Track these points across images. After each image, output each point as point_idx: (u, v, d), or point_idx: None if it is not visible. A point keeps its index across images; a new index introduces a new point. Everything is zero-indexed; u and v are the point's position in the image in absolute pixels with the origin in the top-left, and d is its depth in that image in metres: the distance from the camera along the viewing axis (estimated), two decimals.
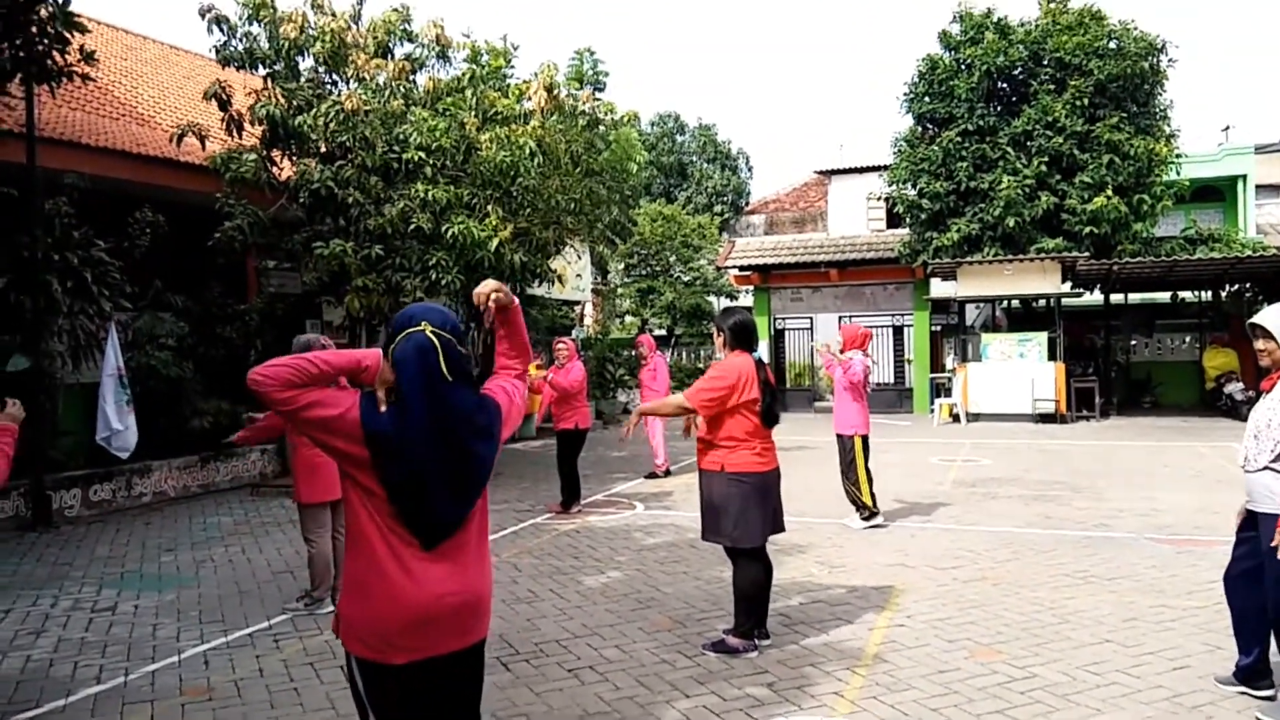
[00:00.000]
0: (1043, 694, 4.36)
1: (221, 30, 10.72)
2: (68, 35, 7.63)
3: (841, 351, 8.30)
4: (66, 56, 7.87)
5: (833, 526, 8.34)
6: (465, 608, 2.56)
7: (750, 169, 44.07)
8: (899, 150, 20.23)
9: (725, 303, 28.63)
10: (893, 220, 24.39)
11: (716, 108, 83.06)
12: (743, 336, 5.17)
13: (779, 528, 5.17)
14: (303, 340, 6.13)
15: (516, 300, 2.80)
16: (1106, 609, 5.71)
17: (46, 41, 7.49)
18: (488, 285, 2.72)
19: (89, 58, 8.07)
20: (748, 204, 39.85)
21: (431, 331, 2.56)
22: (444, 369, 2.53)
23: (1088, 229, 17.85)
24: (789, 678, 4.66)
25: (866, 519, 8.29)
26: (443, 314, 2.65)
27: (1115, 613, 5.63)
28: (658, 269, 26.24)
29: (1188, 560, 6.91)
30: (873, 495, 8.30)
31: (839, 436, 8.34)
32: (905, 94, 20.18)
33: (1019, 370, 18.27)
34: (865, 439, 8.27)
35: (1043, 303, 19.97)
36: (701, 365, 25.36)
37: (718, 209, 38.06)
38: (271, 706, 4.45)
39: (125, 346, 10.23)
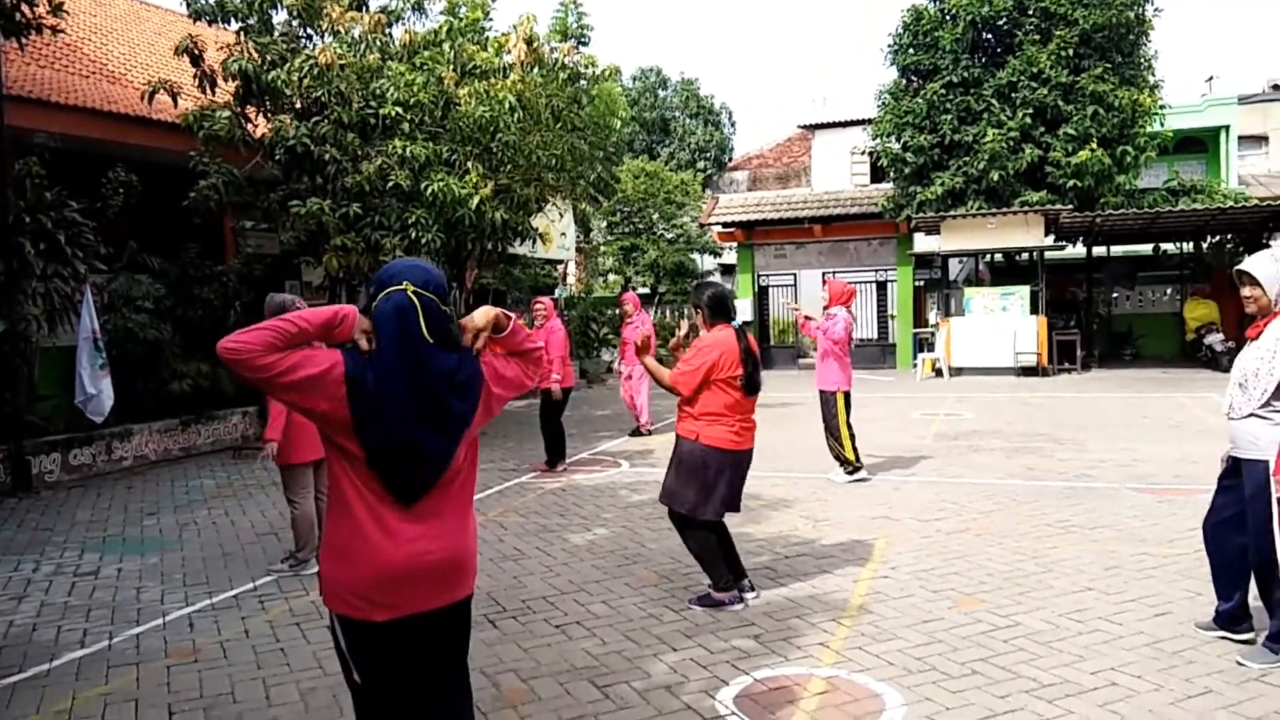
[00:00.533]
0: (1025, 642, 4.40)
1: None
2: None
3: (827, 307, 8.27)
4: (35, 9, 7.64)
5: (816, 481, 8.37)
6: (446, 565, 2.54)
7: (734, 124, 43.71)
8: (883, 103, 20.09)
9: (709, 260, 28.53)
10: (876, 175, 24.30)
11: (699, 62, 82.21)
12: (721, 309, 5.12)
13: (735, 507, 5.16)
14: (277, 300, 6.02)
15: (514, 318, 2.69)
16: (1088, 558, 5.76)
17: None
18: (475, 321, 2.61)
19: (57, 9, 7.85)
20: (731, 160, 39.58)
21: (413, 291, 2.51)
22: (424, 329, 2.49)
23: (1071, 182, 17.83)
24: (775, 629, 4.68)
25: (850, 474, 8.33)
26: (426, 271, 2.59)
27: (1097, 561, 5.68)
28: (641, 227, 26.06)
29: (1168, 509, 6.98)
30: (855, 450, 8.33)
31: (821, 393, 8.35)
32: (889, 45, 20.01)
33: (1001, 324, 18.33)
34: (848, 395, 8.28)
35: (1026, 256, 19.98)
36: (687, 322, 25.30)
37: (701, 165, 37.77)
38: (258, 667, 4.44)
39: (102, 309, 10.10)
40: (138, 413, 10.62)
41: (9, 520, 7.95)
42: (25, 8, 7.76)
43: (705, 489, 4.95)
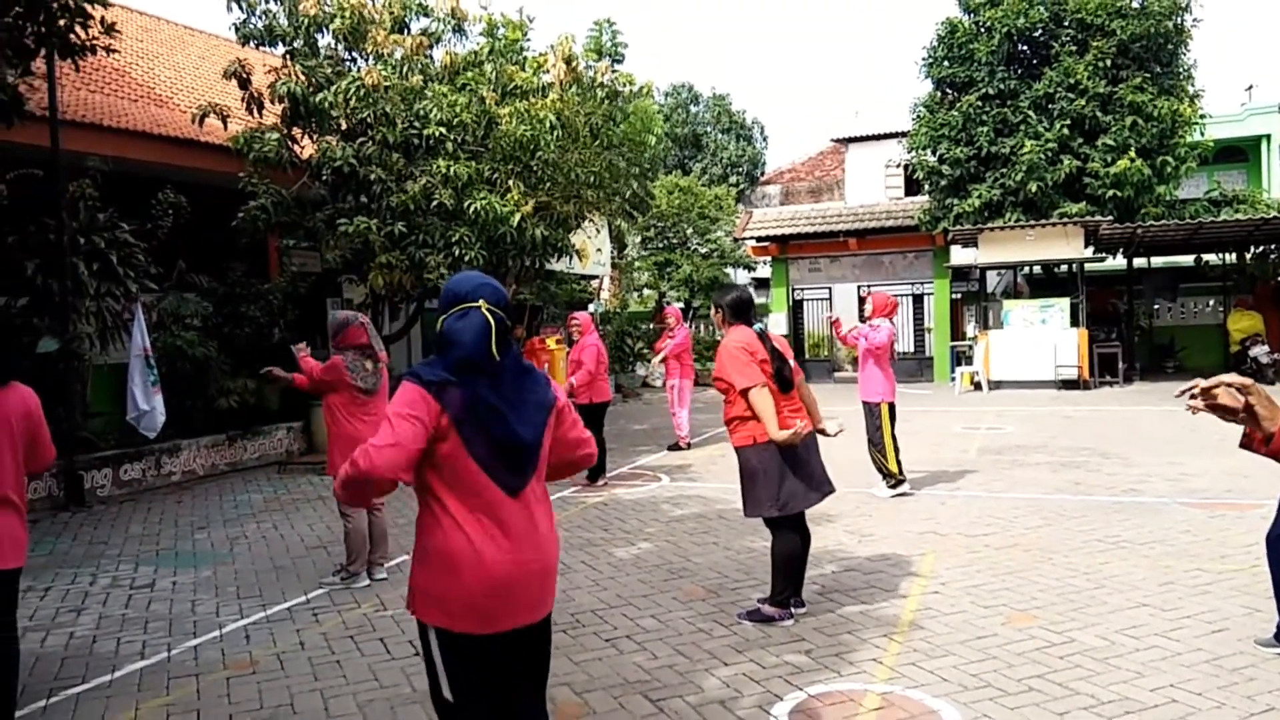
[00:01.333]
0: (1082, 658, 4.36)
1: (240, 7, 10.69)
2: (88, 8, 7.60)
3: (870, 319, 8.26)
4: (88, 30, 7.85)
5: (860, 495, 8.34)
6: (544, 573, 2.63)
7: (765, 139, 43.70)
8: (918, 116, 20.03)
9: (743, 274, 28.54)
10: (911, 187, 24.20)
11: (730, 77, 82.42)
12: (741, 311, 5.15)
13: (825, 488, 5.11)
14: (340, 318, 6.16)
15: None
16: (1141, 573, 5.70)
17: (68, 16, 7.46)
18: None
19: (110, 29, 8.04)
20: (763, 174, 39.58)
21: (487, 309, 2.63)
22: (494, 348, 2.61)
23: (1111, 192, 17.66)
24: (826, 645, 4.68)
25: (893, 486, 8.29)
26: (496, 289, 2.72)
27: (1150, 577, 5.61)
28: (675, 241, 26.11)
29: (1220, 524, 6.88)
30: (899, 463, 8.29)
31: (865, 404, 8.32)
32: (924, 59, 19.96)
33: (1041, 337, 18.15)
34: (892, 406, 8.25)
35: (1065, 268, 19.79)
36: (719, 337, 25.28)
37: (733, 180, 37.79)
38: (315, 679, 4.50)
39: (151, 327, 10.31)
40: (186, 428, 10.81)
41: (63, 533, 8.12)
42: (80, 30, 7.95)
43: (781, 483, 4.91)
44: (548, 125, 10.30)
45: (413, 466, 2.52)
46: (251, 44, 10.86)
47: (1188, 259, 21.69)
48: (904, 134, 22.41)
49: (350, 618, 5.43)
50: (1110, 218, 17.57)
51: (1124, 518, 7.20)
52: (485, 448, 2.54)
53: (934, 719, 3.81)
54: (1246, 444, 2.86)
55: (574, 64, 11.49)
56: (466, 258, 10.13)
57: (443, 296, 2.71)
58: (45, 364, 8.87)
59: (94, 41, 8.17)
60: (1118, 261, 21.20)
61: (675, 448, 11.94)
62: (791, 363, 5.14)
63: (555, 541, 2.71)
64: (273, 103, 10.71)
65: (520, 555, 2.56)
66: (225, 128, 10.53)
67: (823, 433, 5.31)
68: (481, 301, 2.64)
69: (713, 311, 5.32)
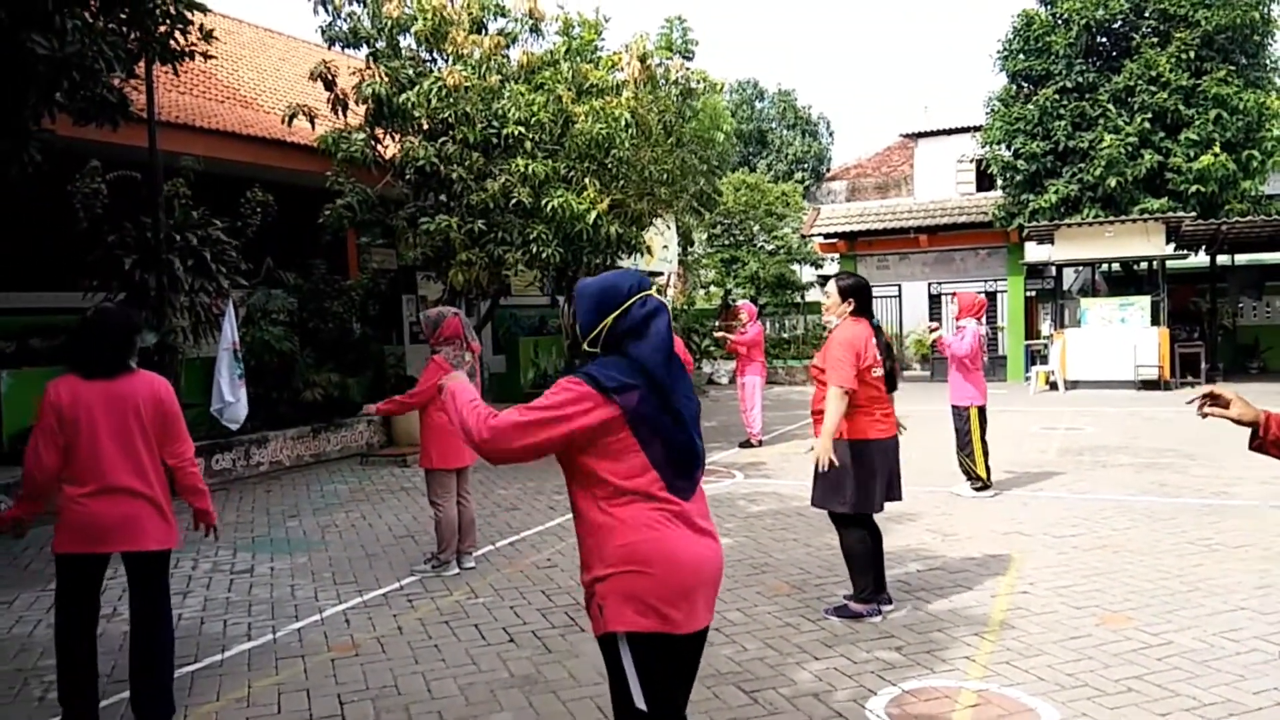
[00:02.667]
0: (1180, 660, 4.31)
1: (326, 10, 10.99)
2: (188, 15, 7.88)
3: (957, 319, 8.20)
4: (188, 37, 8.13)
5: (940, 495, 8.28)
6: (718, 576, 2.59)
7: (831, 134, 43.31)
8: (993, 110, 19.72)
9: (810, 271, 28.36)
10: (982, 183, 23.83)
11: (796, 73, 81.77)
12: (861, 299, 5.14)
13: (896, 495, 5.16)
14: (433, 316, 6.32)
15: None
16: (1236, 576, 5.59)
17: (168, 22, 7.73)
18: None
19: (208, 36, 8.32)
20: (829, 170, 39.29)
21: (660, 296, 2.64)
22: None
23: (1193, 188, 17.18)
24: (917, 642, 4.69)
25: (978, 489, 8.21)
26: (649, 283, 2.69)
27: (1246, 581, 5.51)
28: (741, 239, 26.05)
29: None
30: (988, 468, 8.20)
31: (954, 408, 8.23)
32: (999, 52, 19.63)
33: (1120, 336, 17.74)
34: (982, 410, 8.15)
35: (1144, 265, 19.32)
36: (785, 335, 25.19)
37: (798, 176, 37.54)
38: (415, 662, 4.66)
39: (240, 322, 10.66)
40: (273, 420, 11.15)
41: None
42: (179, 35, 8.24)
43: (861, 482, 4.96)
44: (623, 123, 10.39)
45: (527, 457, 2.50)
46: (337, 46, 11.14)
47: (1274, 256, 20.98)
48: (975, 129, 22.08)
49: (444, 604, 5.59)
50: (1193, 214, 17.10)
51: (1215, 520, 7.05)
52: (664, 454, 2.48)
53: (1031, 717, 3.81)
54: (1258, 447, 2.85)
55: (648, 62, 11.56)
56: (544, 255, 10.29)
57: (598, 298, 2.59)
58: (143, 357, 9.23)
59: (192, 47, 8.46)
60: (1200, 259, 20.61)
61: (747, 445, 11.96)
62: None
63: (720, 544, 2.66)
64: (356, 104, 10.99)
65: (709, 551, 2.52)
66: (313, 128, 10.83)
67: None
68: (654, 289, 2.62)
69: (829, 298, 5.22)
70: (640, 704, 2.44)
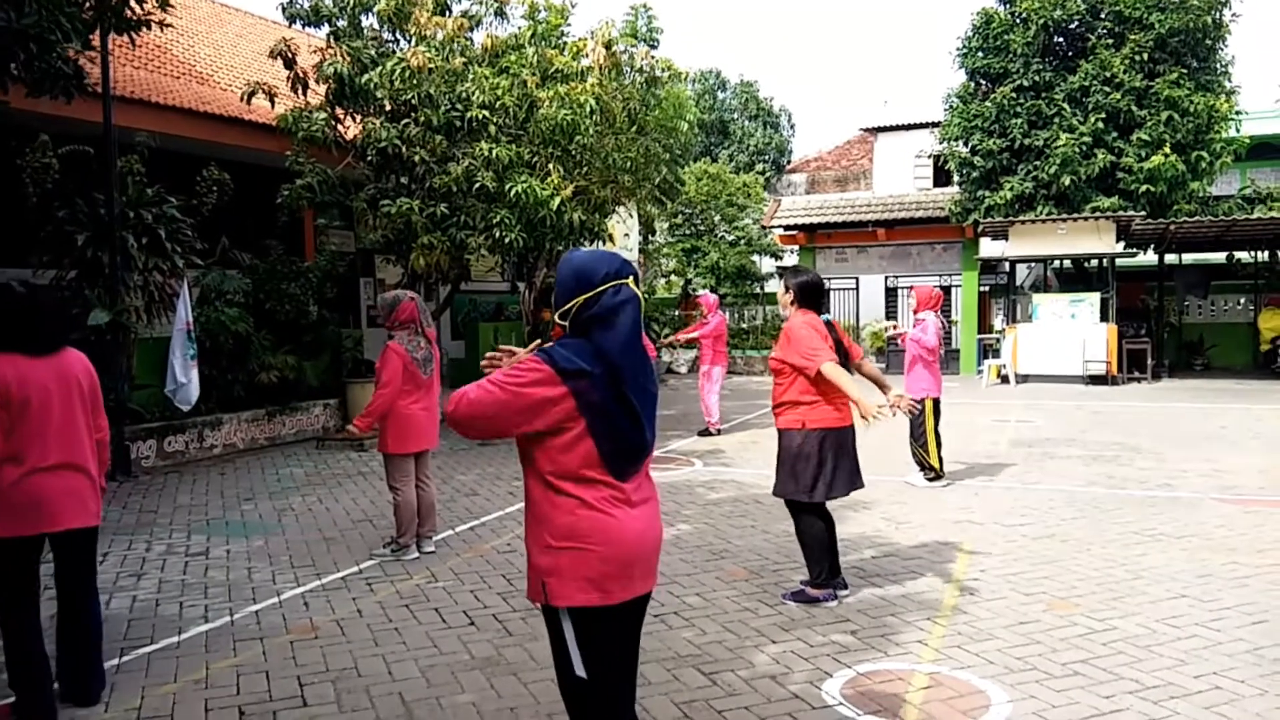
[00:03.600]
0: (1124, 645, 4.46)
1: None
2: None
3: (915, 312, 8.34)
4: (144, 5, 7.96)
5: (894, 484, 8.43)
6: (657, 549, 2.70)
7: (792, 126, 43.53)
8: (951, 107, 19.97)
9: (770, 262, 28.53)
10: (940, 178, 24.14)
11: (758, 64, 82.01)
12: (812, 296, 5.22)
13: (858, 484, 5.26)
14: (389, 298, 6.28)
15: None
16: (1179, 565, 5.78)
17: None
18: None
19: (164, 4, 8.15)
20: (789, 162, 39.52)
21: (634, 286, 2.65)
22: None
23: (1144, 187, 17.57)
24: (871, 627, 4.79)
25: (930, 479, 8.36)
26: (635, 269, 2.72)
27: (1188, 569, 5.69)
28: (702, 229, 26.12)
29: (1255, 520, 6.94)
30: (940, 459, 8.35)
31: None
32: (958, 49, 19.88)
33: (1070, 331, 18.12)
34: (937, 402, 8.31)
35: (1095, 263, 19.72)
36: (745, 325, 25.35)
37: (759, 167, 37.70)
38: (375, 644, 4.66)
39: (195, 303, 10.48)
40: (227, 402, 11.01)
41: (113, 502, 8.30)
42: (135, 4, 8.06)
43: (821, 469, 5.04)
44: (587, 110, 10.37)
45: (495, 432, 2.57)
46: (298, 24, 10.97)
47: (1219, 256, 21.57)
48: (934, 124, 22.33)
49: (404, 588, 5.59)
50: (1143, 213, 17.49)
51: (1159, 511, 7.26)
52: (610, 445, 2.55)
53: (981, 699, 3.91)
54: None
55: (613, 49, 11.53)
56: (507, 240, 10.25)
57: (578, 273, 2.62)
58: (93, 336, 9.06)
59: (149, 15, 8.28)
60: (1149, 257, 21.09)
61: (705, 433, 12.04)
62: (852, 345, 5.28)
63: (660, 516, 2.78)
64: (317, 83, 10.83)
65: (644, 526, 2.63)
66: (273, 106, 10.66)
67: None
68: (630, 279, 2.64)
69: (781, 292, 5.32)
70: (580, 672, 2.58)
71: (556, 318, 2.66)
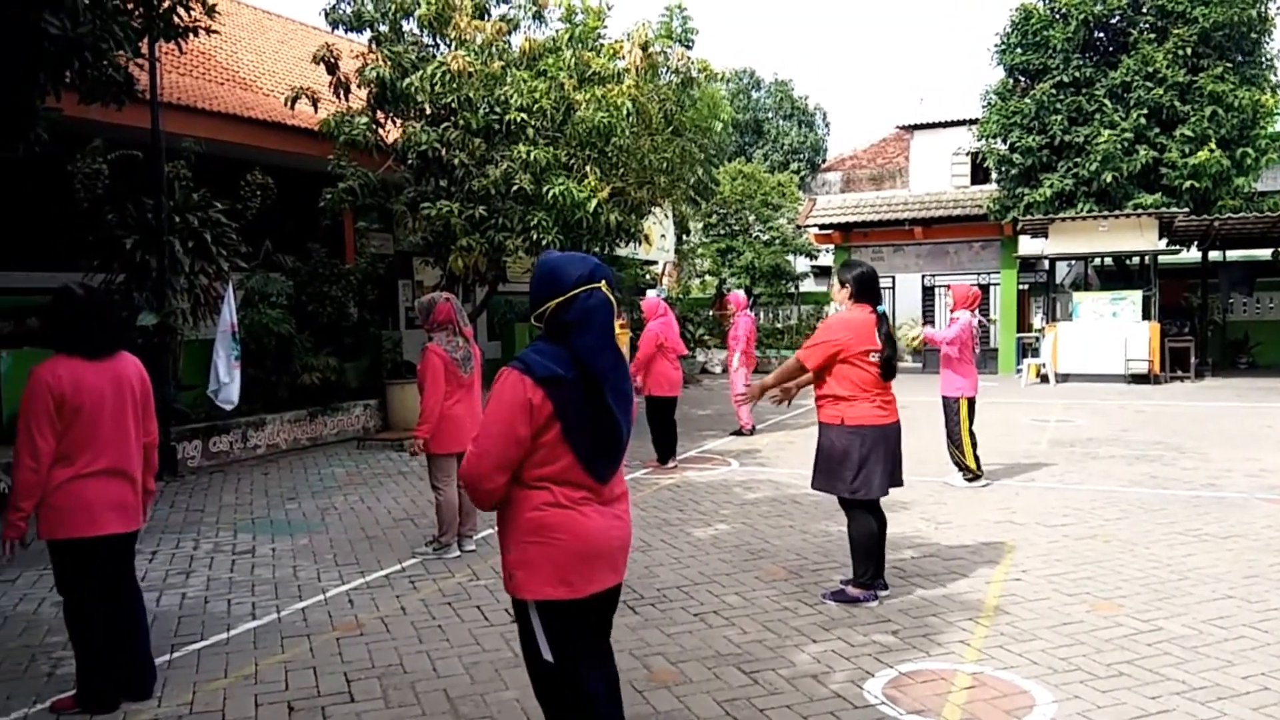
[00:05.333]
0: (1170, 646, 4.41)
1: None
2: None
3: (951, 311, 8.30)
4: (190, 12, 8.12)
5: (933, 484, 8.38)
6: (625, 545, 2.86)
7: (827, 125, 43.34)
8: (989, 103, 19.79)
9: (805, 262, 28.45)
10: (977, 176, 23.91)
11: (792, 63, 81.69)
12: (867, 289, 5.20)
13: (898, 481, 5.24)
14: (425, 302, 6.37)
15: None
16: (1224, 566, 5.70)
17: None
18: None
19: (211, 11, 8.30)
20: (824, 161, 39.34)
21: (607, 290, 2.75)
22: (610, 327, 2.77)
23: (1187, 184, 17.30)
24: (912, 627, 4.78)
25: (969, 480, 8.31)
26: (608, 270, 2.82)
27: (1234, 570, 5.62)
28: (737, 228, 26.11)
29: None
30: (976, 458, 8.30)
31: (944, 399, 8.34)
32: (996, 45, 19.70)
33: (1111, 330, 17.88)
34: (971, 401, 8.26)
35: (1137, 260, 19.45)
36: (779, 325, 25.30)
37: (794, 167, 37.60)
38: (420, 641, 4.73)
39: (239, 305, 10.67)
40: (271, 403, 11.19)
41: (161, 501, 8.47)
42: (182, 12, 8.22)
43: (861, 468, 5.03)
44: (624, 112, 10.43)
45: (512, 469, 2.69)
46: (340, 29, 11.14)
47: (1265, 253, 21.17)
48: (971, 121, 22.13)
49: (446, 586, 5.66)
50: (1186, 209, 17.23)
51: (1204, 512, 7.16)
52: (588, 448, 2.70)
53: (1025, 699, 3.90)
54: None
55: (649, 50, 11.58)
56: (544, 242, 10.33)
57: (551, 276, 2.72)
58: (141, 338, 9.26)
59: (196, 23, 8.44)
60: (1192, 254, 20.77)
61: (738, 433, 12.04)
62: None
63: (629, 519, 2.92)
64: (359, 87, 10.99)
65: (607, 525, 2.77)
66: (315, 111, 10.83)
67: None
68: (603, 283, 2.74)
69: (836, 287, 5.34)
70: (547, 656, 2.75)
71: (532, 319, 2.77)
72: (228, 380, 9.95)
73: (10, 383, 9.29)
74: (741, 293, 12.70)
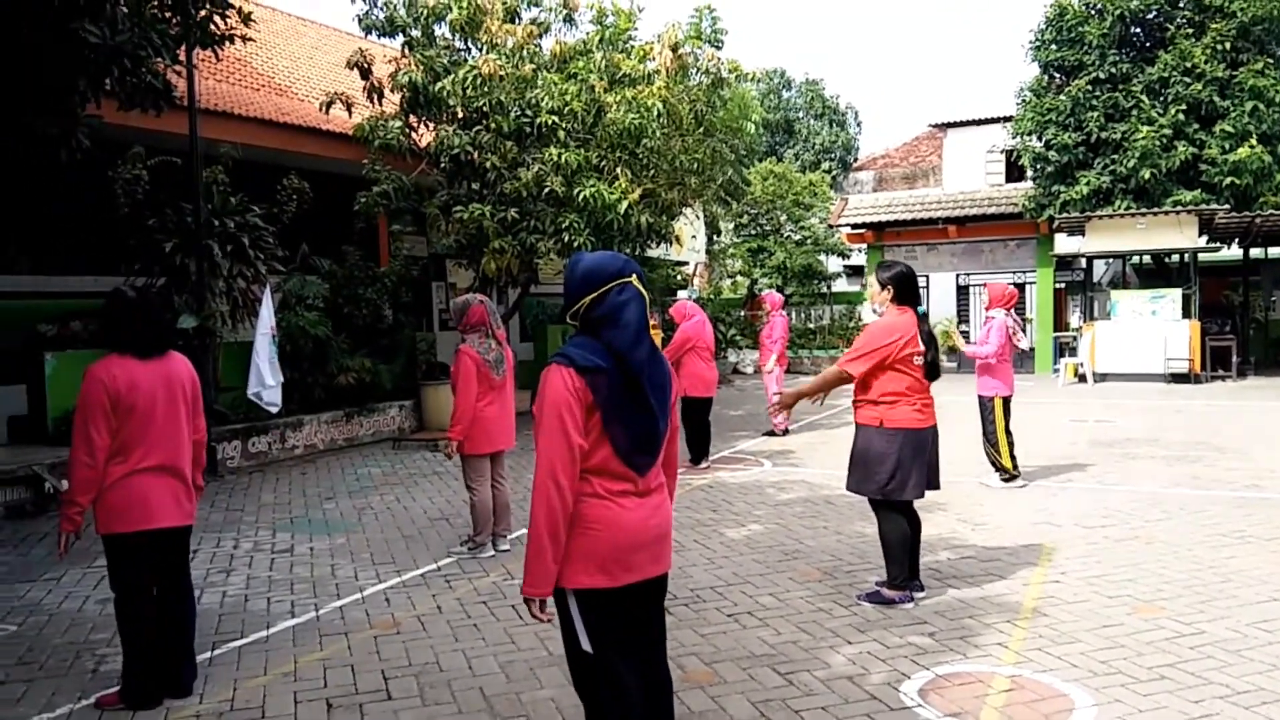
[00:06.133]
0: (1214, 649, 4.35)
1: None
2: None
3: (987, 309, 8.24)
4: (228, 20, 8.25)
5: (970, 484, 8.31)
6: (664, 536, 2.88)
7: (859, 124, 43.16)
8: (1024, 100, 19.58)
9: (837, 262, 28.30)
10: (1012, 174, 23.66)
11: (823, 62, 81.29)
12: (907, 290, 5.15)
13: (934, 484, 5.21)
14: (460, 301, 6.41)
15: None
16: (1269, 568, 5.60)
17: (208, 6, 7.84)
18: None
19: (247, 19, 8.43)
20: (856, 160, 39.10)
21: (639, 284, 2.81)
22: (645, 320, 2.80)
23: (1228, 180, 17.01)
24: (949, 629, 4.74)
25: (1006, 481, 8.23)
26: (639, 268, 2.86)
27: (1279, 572, 5.52)
28: (768, 229, 26.02)
29: None
30: (1014, 458, 8.22)
31: (980, 398, 8.28)
32: (1031, 42, 19.49)
33: (1151, 329, 17.62)
34: (1007, 401, 8.19)
35: (1176, 258, 19.16)
36: (811, 325, 25.17)
37: (825, 166, 37.46)
38: (455, 639, 4.76)
39: (276, 308, 10.80)
40: (308, 404, 11.32)
41: (202, 502, 8.54)
42: (219, 19, 8.35)
43: (897, 470, 5.00)
44: (654, 113, 10.45)
45: (580, 461, 2.71)
46: (373, 35, 11.27)
47: None
48: (1005, 119, 21.91)
49: (481, 585, 5.70)
50: (1226, 206, 16.94)
51: (1247, 513, 7.04)
52: (626, 439, 2.73)
53: (1065, 702, 3.86)
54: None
55: (679, 51, 11.58)
56: (576, 244, 10.37)
57: (583, 276, 2.78)
58: (181, 340, 9.41)
59: (232, 31, 8.57)
60: (1233, 252, 20.43)
61: (771, 434, 12.01)
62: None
63: (671, 510, 2.95)
64: (392, 92, 11.10)
65: (647, 516, 2.80)
66: (350, 116, 10.95)
67: None
68: (634, 277, 2.80)
69: (875, 289, 5.26)
70: (586, 646, 2.78)
71: (568, 318, 2.82)
72: (272, 383, 10.08)
73: (55, 384, 9.47)
74: (776, 293, 12.62)
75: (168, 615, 4.14)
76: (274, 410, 10.15)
